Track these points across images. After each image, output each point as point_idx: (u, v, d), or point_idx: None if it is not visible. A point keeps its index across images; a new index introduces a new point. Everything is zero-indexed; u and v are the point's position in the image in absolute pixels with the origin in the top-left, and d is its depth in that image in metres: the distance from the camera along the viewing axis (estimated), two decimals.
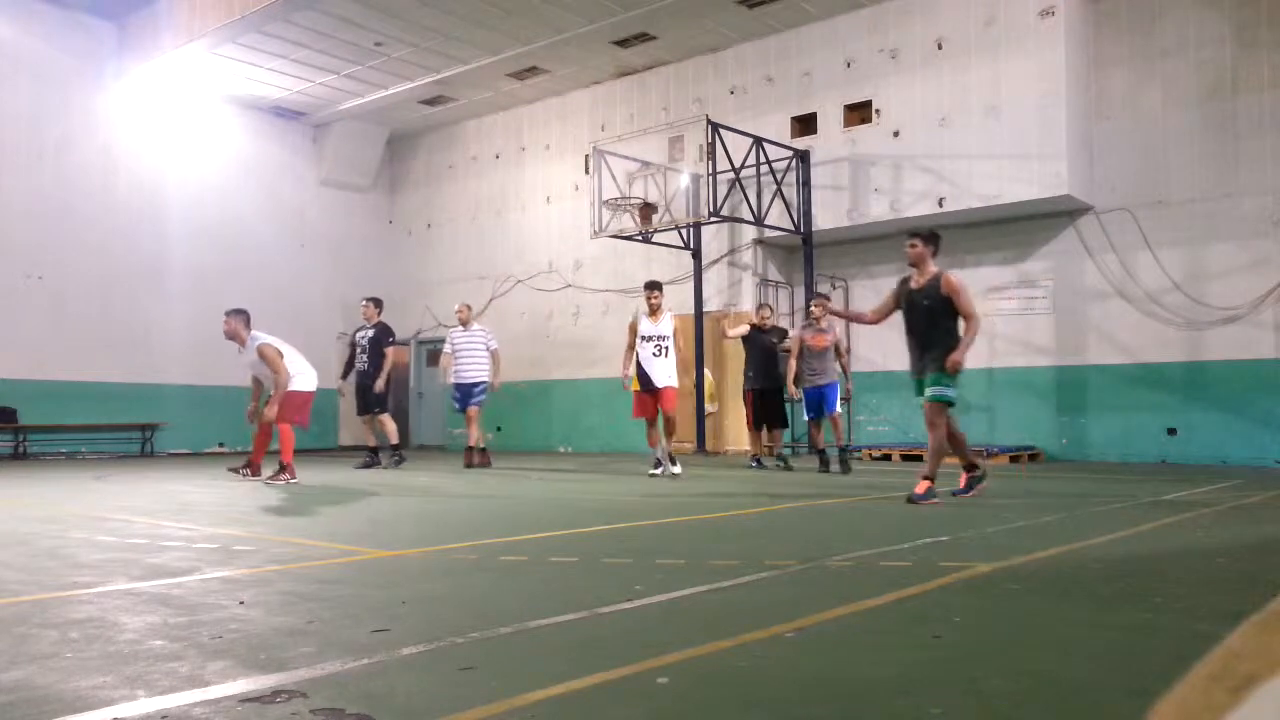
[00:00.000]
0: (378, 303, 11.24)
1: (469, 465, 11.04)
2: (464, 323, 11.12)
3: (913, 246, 6.61)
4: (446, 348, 11.20)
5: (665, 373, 9.16)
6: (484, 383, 11.03)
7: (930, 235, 6.67)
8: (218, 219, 16.83)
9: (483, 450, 11.31)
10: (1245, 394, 11.26)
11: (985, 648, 2.41)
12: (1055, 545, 4.28)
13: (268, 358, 8.22)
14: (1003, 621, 2.74)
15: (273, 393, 8.35)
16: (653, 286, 9.39)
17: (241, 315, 8.50)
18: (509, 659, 2.29)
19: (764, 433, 10.75)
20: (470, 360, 10.99)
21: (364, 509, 6.29)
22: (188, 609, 2.93)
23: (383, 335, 11.00)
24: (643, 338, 9.21)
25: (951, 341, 6.45)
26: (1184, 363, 11.70)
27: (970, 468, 6.83)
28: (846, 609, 2.86)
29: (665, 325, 9.22)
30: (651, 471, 9.34)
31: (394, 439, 11.08)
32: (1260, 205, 11.21)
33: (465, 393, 11.02)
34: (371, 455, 11.08)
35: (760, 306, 11.11)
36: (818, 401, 9.80)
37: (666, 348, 9.18)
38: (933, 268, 6.61)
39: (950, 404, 6.54)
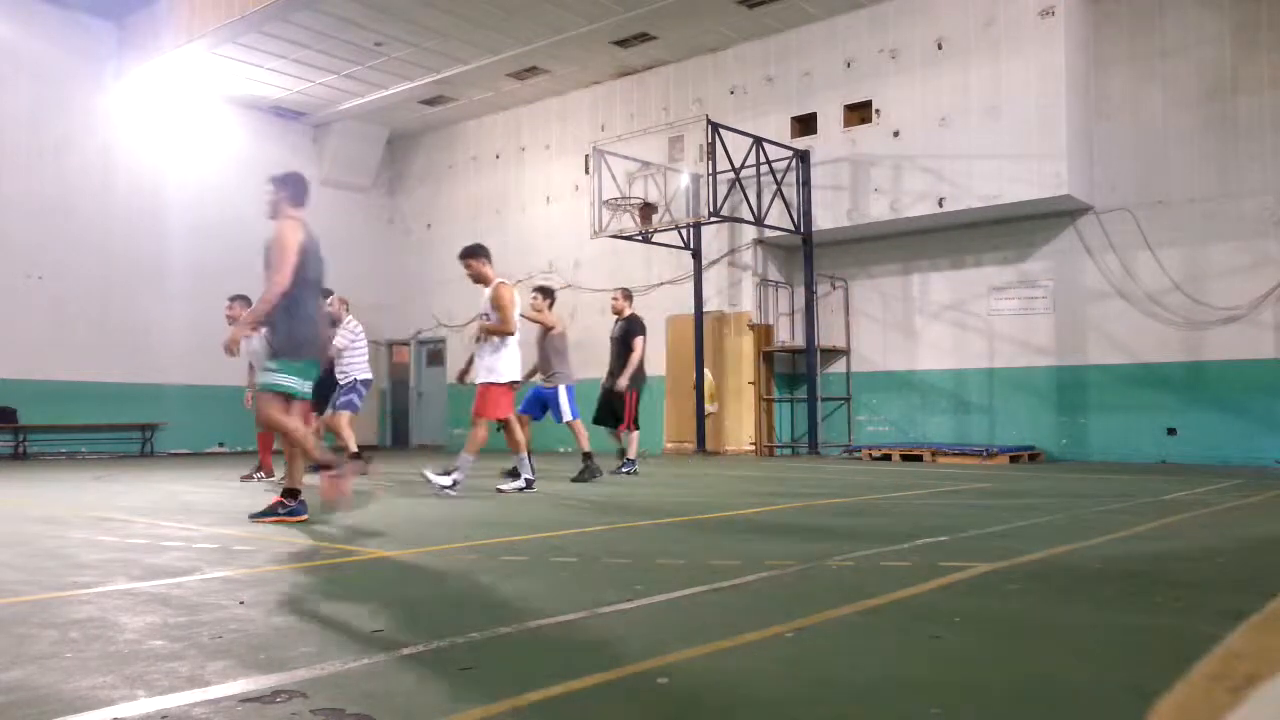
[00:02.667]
0: (326, 293, 10.60)
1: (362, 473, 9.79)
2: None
3: (269, 194, 5.54)
4: (359, 340, 10.05)
5: (482, 362, 7.31)
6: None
7: (284, 180, 5.58)
8: (218, 219, 16.82)
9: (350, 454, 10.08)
10: (1245, 394, 11.26)
11: (985, 648, 2.41)
12: (1055, 545, 4.28)
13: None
14: (1003, 621, 2.74)
15: None
16: (461, 255, 7.65)
17: (247, 301, 8.52)
18: (509, 659, 2.29)
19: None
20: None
21: (364, 509, 6.28)
22: (188, 609, 2.93)
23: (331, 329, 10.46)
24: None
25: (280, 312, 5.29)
26: (1184, 363, 11.70)
27: (295, 484, 5.37)
28: (846, 609, 2.86)
29: (485, 300, 7.41)
30: (501, 487, 7.48)
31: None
32: (1260, 205, 11.21)
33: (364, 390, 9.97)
34: (353, 456, 10.11)
35: (615, 292, 10.13)
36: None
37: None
38: (289, 211, 5.50)
39: (289, 395, 5.34)
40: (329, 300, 10.41)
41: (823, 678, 2.13)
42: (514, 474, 7.58)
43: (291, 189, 5.52)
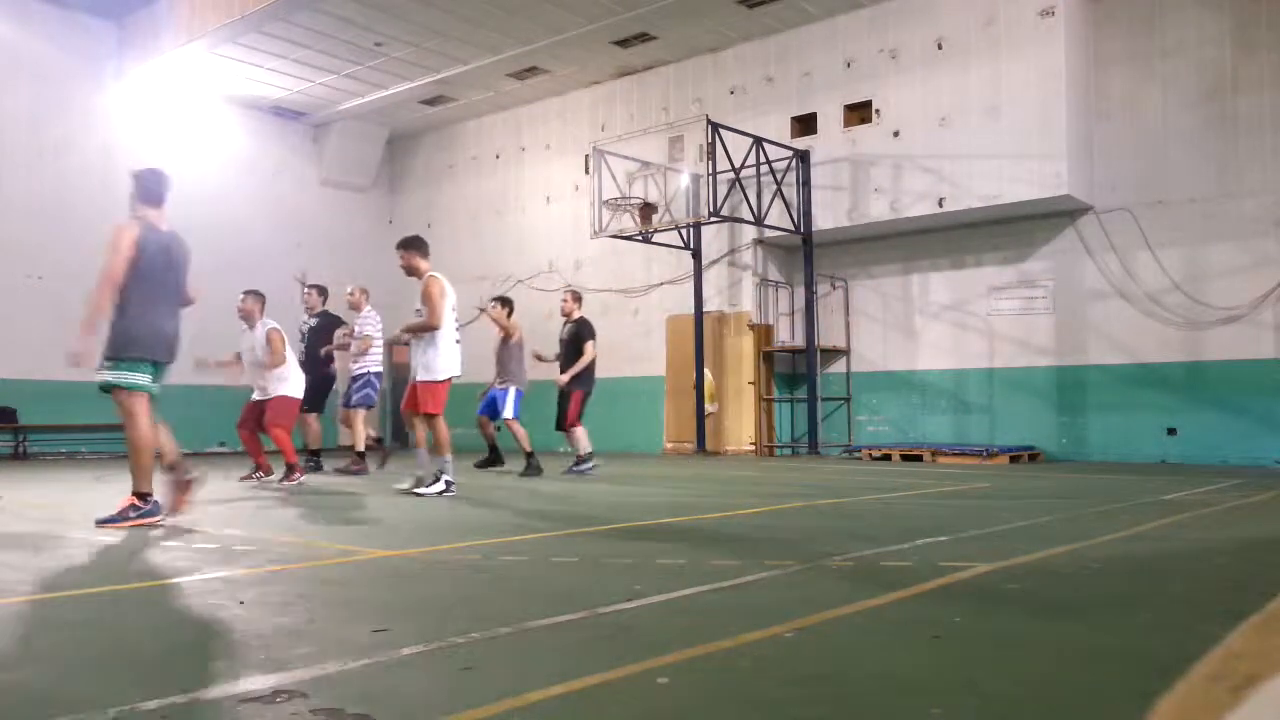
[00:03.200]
0: (322, 290, 10.41)
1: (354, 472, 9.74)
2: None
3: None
4: (378, 331, 9.98)
5: (420, 359, 7.32)
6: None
7: (137, 175, 5.56)
8: (218, 219, 16.81)
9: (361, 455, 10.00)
10: (1245, 394, 11.26)
11: (985, 648, 2.42)
12: (1055, 545, 4.28)
13: (273, 342, 8.28)
14: (1003, 621, 2.74)
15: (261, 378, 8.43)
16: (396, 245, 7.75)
17: (260, 298, 8.63)
18: (509, 659, 2.29)
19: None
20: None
21: (364, 509, 6.29)
22: (188, 609, 2.93)
23: (332, 326, 10.17)
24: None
25: (117, 312, 5.23)
26: (1184, 363, 11.70)
27: (142, 497, 5.33)
28: (846, 609, 2.86)
29: (419, 295, 7.46)
30: (399, 486, 7.44)
31: (316, 443, 10.06)
32: (1260, 205, 11.21)
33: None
34: (360, 456, 9.99)
35: (565, 294, 10.19)
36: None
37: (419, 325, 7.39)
38: (140, 209, 5.47)
39: (142, 392, 5.27)
40: (348, 291, 10.41)
41: (823, 678, 2.13)
42: (436, 478, 7.19)
43: (142, 185, 5.46)
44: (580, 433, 9.71)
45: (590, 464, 9.71)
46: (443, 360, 7.26)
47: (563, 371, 9.69)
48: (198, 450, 16.16)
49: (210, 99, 16.78)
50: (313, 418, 9.90)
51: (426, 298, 7.25)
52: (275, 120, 17.86)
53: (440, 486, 7.07)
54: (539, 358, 9.83)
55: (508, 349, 9.63)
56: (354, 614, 2.84)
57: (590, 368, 9.70)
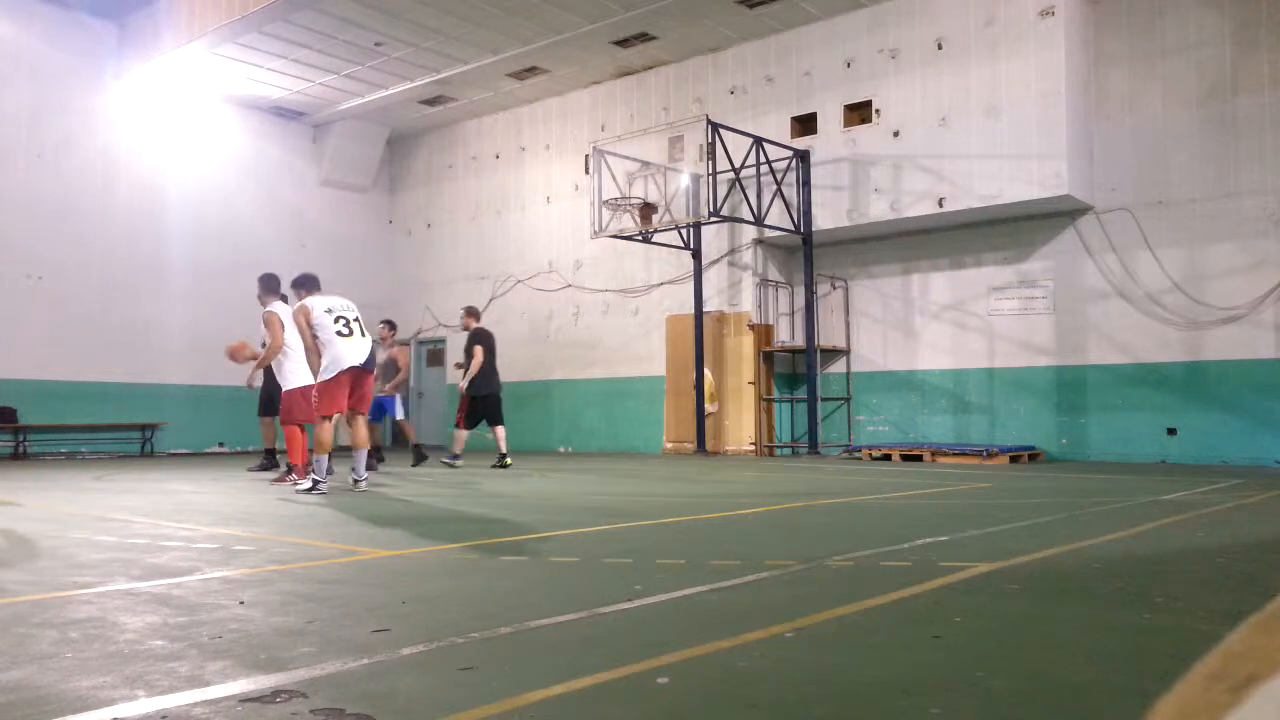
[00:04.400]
0: (286, 299, 10.47)
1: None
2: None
3: None
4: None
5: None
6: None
7: None
8: (218, 219, 16.83)
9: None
10: (1245, 394, 11.26)
11: (985, 648, 2.42)
12: (1055, 545, 4.28)
13: (269, 324, 8.24)
14: (1003, 621, 2.74)
15: (258, 357, 8.47)
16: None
17: (270, 281, 8.93)
18: (509, 659, 2.29)
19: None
20: None
21: (364, 509, 6.29)
22: (188, 609, 2.93)
23: None
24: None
25: None
26: (1184, 363, 11.70)
27: None
28: (846, 609, 2.86)
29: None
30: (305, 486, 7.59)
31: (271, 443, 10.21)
32: (1260, 205, 11.21)
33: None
34: (268, 457, 10.18)
35: (462, 310, 11.44)
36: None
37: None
38: None
39: None
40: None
41: (823, 678, 2.13)
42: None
43: None
44: (460, 434, 10.85)
45: (456, 459, 10.85)
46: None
47: (464, 378, 10.78)
48: (197, 450, 16.17)
49: (210, 99, 16.78)
50: (270, 420, 9.98)
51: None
52: (275, 120, 17.86)
53: (306, 485, 7.49)
54: (459, 366, 10.99)
55: (390, 363, 10.87)
56: (354, 614, 2.84)
57: (483, 373, 10.65)
